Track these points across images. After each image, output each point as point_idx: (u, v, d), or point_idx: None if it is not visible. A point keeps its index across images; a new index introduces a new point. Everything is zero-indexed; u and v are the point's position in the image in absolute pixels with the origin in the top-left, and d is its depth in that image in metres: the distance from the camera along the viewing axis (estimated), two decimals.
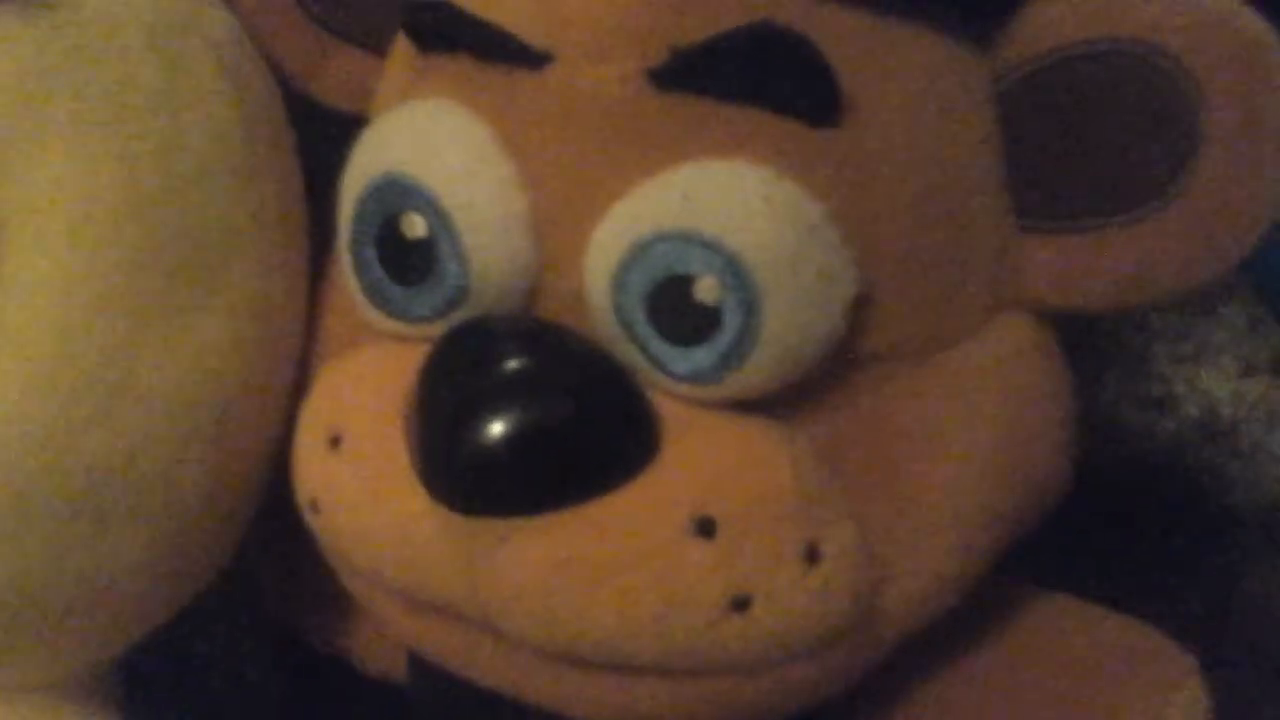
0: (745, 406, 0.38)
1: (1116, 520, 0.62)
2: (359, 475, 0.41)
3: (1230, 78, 0.38)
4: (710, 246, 0.37)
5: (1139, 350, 0.70)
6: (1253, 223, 0.39)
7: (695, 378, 0.38)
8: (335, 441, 0.41)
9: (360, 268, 0.42)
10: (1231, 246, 0.40)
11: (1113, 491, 0.63)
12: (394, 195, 0.40)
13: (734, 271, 0.37)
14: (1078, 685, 0.43)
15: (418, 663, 0.45)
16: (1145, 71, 0.39)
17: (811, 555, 0.38)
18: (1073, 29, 0.40)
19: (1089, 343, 0.69)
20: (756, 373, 0.38)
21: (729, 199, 0.37)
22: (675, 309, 0.37)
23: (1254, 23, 0.39)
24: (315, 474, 0.42)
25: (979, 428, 0.40)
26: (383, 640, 0.48)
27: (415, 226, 0.40)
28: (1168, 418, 0.68)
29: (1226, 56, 0.38)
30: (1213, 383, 0.69)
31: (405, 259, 0.41)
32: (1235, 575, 0.63)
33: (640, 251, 0.37)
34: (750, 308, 0.37)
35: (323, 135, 0.46)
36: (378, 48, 0.46)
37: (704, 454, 0.38)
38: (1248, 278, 0.71)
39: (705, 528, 0.37)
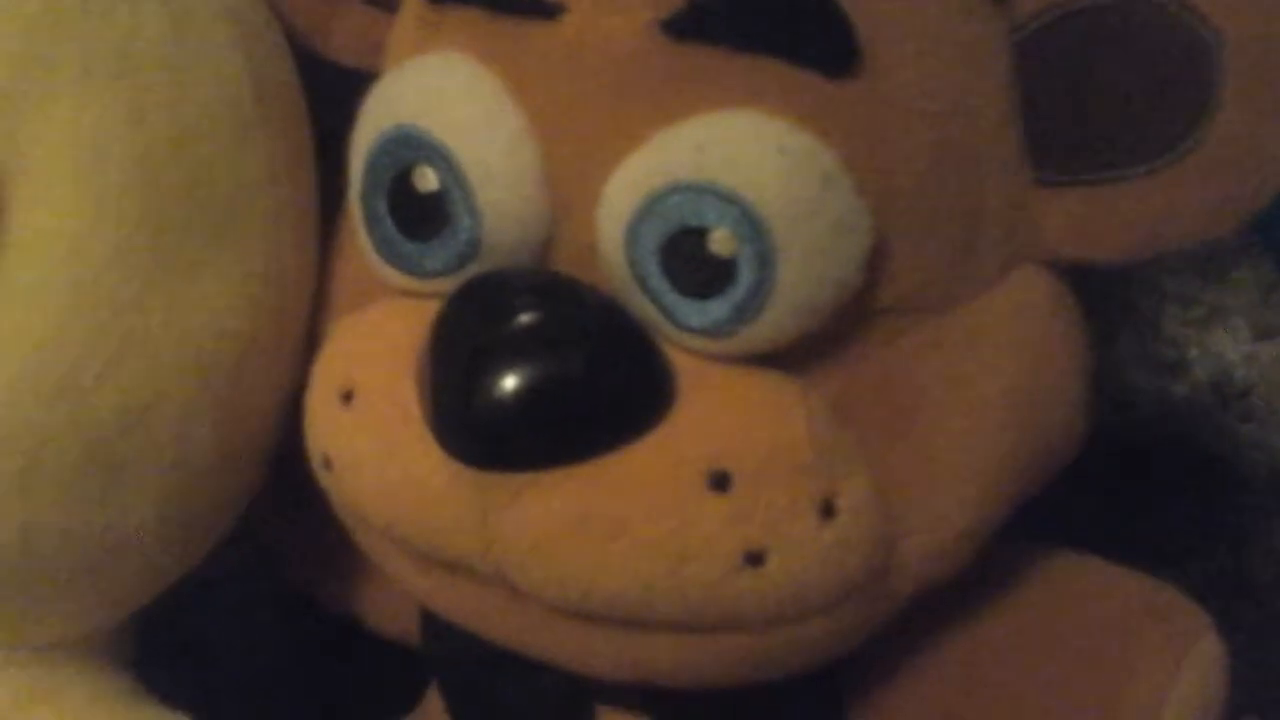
0: (760, 360, 0.38)
1: (1130, 483, 0.62)
2: (371, 430, 0.40)
3: (1248, 28, 0.38)
4: (725, 198, 0.36)
5: (1151, 314, 0.70)
6: (1271, 174, 0.39)
7: (710, 331, 0.38)
8: (347, 397, 0.41)
9: (372, 222, 0.41)
10: (1249, 198, 0.40)
11: (1126, 455, 0.63)
12: (405, 148, 0.40)
13: (749, 223, 0.36)
14: (1093, 641, 0.43)
15: (431, 621, 0.45)
16: (1163, 21, 0.39)
17: (827, 509, 0.38)
18: None
19: (1101, 306, 0.68)
20: (771, 326, 0.37)
21: (744, 150, 0.37)
22: (689, 261, 0.37)
23: None
24: (327, 430, 0.42)
25: (995, 381, 0.40)
26: (396, 600, 0.48)
27: (427, 180, 0.40)
28: (1180, 381, 0.68)
29: (1245, 7, 0.38)
30: (1225, 346, 0.69)
31: (417, 213, 0.40)
32: (1248, 537, 0.63)
33: (654, 203, 0.37)
34: (765, 260, 0.37)
35: (333, 90, 0.46)
36: (386, 3, 0.46)
37: (718, 408, 0.38)
38: (1260, 241, 0.71)
39: (720, 482, 0.37)
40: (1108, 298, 0.69)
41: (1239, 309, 0.70)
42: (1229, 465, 0.66)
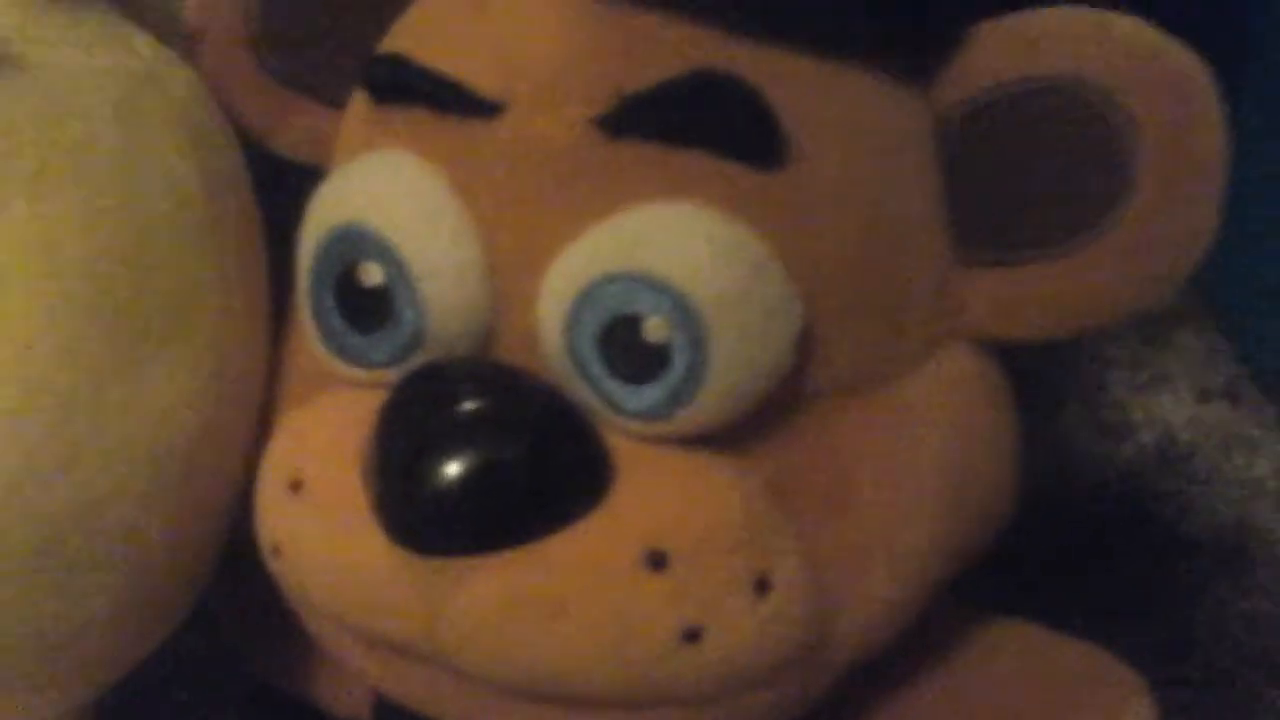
0: (695, 442, 0.39)
1: (1075, 546, 0.63)
2: (319, 519, 0.41)
3: (1163, 113, 0.39)
4: (658, 287, 0.38)
5: (1096, 378, 0.71)
6: (1187, 253, 0.40)
7: (646, 415, 0.39)
8: (296, 486, 0.42)
9: (319, 316, 0.42)
10: (1167, 276, 0.41)
11: (1071, 518, 0.64)
12: (351, 244, 0.41)
13: (681, 311, 0.37)
14: (1028, 706, 0.44)
15: (382, 703, 0.46)
16: (1079, 107, 0.40)
17: (761, 586, 0.39)
18: (1008, 66, 0.41)
19: (1046, 371, 0.70)
20: (705, 409, 0.38)
21: (675, 240, 0.38)
22: (626, 348, 0.38)
23: (1185, 57, 0.40)
24: (277, 519, 0.43)
25: (924, 458, 0.41)
26: (348, 682, 0.48)
27: (372, 275, 0.41)
28: (1125, 444, 0.69)
29: (1158, 91, 0.39)
30: (1169, 409, 0.70)
31: (363, 307, 0.41)
32: (1193, 600, 0.63)
33: (591, 293, 0.38)
34: (698, 346, 0.38)
35: (283, 186, 0.47)
36: (336, 102, 0.47)
37: (655, 489, 0.39)
38: (1202, 306, 0.72)
39: (657, 561, 0.38)
40: (1053, 362, 0.70)
41: (1182, 372, 0.71)
42: (1174, 527, 0.66)
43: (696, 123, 0.39)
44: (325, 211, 0.42)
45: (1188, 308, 0.73)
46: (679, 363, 0.38)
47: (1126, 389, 0.71)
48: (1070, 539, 0.63)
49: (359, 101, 0.44)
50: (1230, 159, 0.40)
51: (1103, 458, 0.69)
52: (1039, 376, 0.67)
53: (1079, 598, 0.56)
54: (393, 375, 0.41)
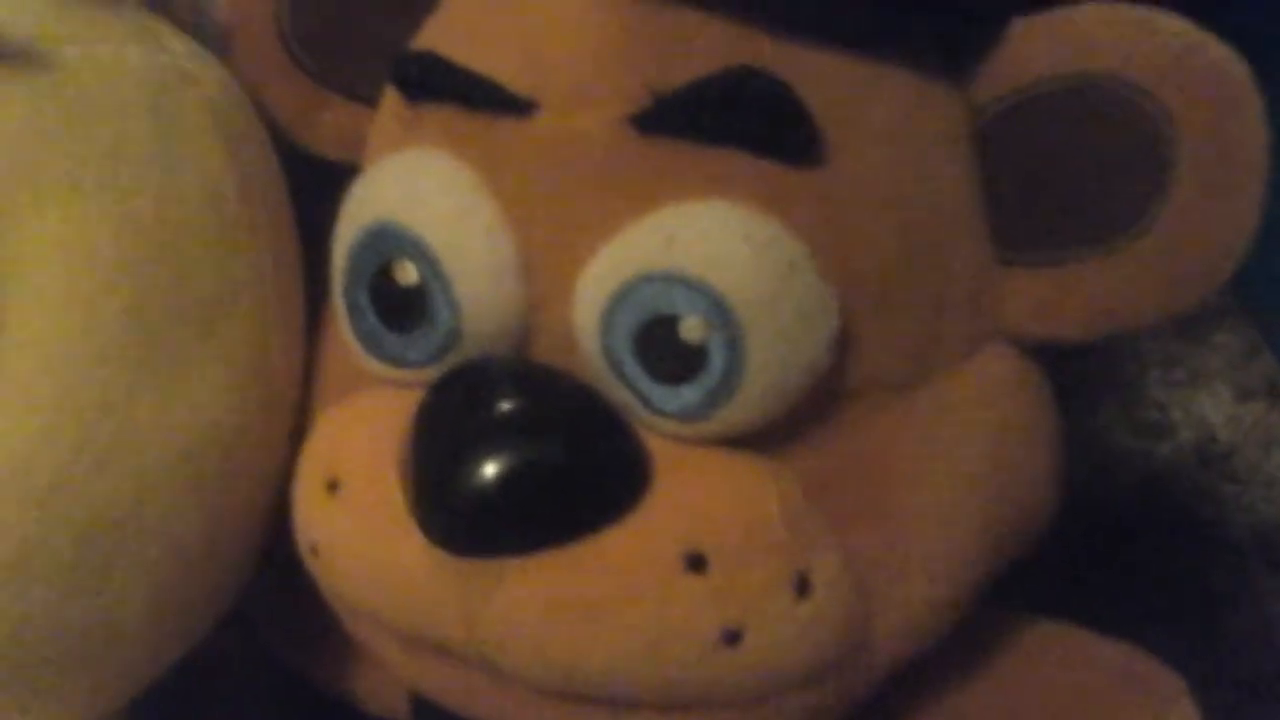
0: (733, 442, 0.39)
1: (1114, 546, 0.63)
2: (356, 519, 0.41)
3: (1202, 109, 0.39)
4: (694, 287, 0.37)
5: (1134, 377, 0.70)
6: (1227, 252, 0.40)
7: (684, 415, 0.39)
8: (333, 486, 0.42)
9: (354, 315, 0.42)
10: (1206, 276, 0.40)
11: (1110, 517, 0.64)
12: (386, 243, 0.41)
13: (718, 310, 0.37)
14: (1071, 709, 0.43)
15: (420, 703, 0.46)
16: (1119, 105, 0.40)
17: (801, 587, 0.38)
18: (1047, 64, 0.40)
19: (1084, 370, 0.69)
20: (743, 409, 0.38)
21: (711, 240, 0.38)
22: (662, 348, 0.38)
23: (1225, 54, 0.39)
24: (314, 519, 0.43)
25: (964, 458, 0.41)
26: (385, 681, 0.48)
27: (407, 273, 0.41)
28: (1164, 443, 0.69)
29: (1198, 88, 0.39)
30: (1208, 408, 0.69)
31: (398, 305, 0.41)
32: (1233, 599, 0.63)
33: (626, 293, 0.38)
34: (735, 345, 0.37)
35: (317, 184, 0.47)
36: (369, 99, 0.47)
37: (694, 490, 0.39)
38: (1241, 303, 0.72)
39: (696, 563, 0.38)
40: (1091, 361, 0.70)
41: (1221, 371, 0.71)
42: (1213, 527, 0.66)
43: (731, 121, 0.38)
44: (359, 210, 0.42)
45: (1226, 306, 0.73)
46: (716, 363, 0.38)
47: (1165, 388, 0.70)
48: (1109, 539, 0.63)
49: (391, 99, 0.44)
50: (1271, 156, 0.40)
51: (1141, 457, 0.68)
52: (1077, 376, 0.66)
53: (1118, 598, 0.56)
54: (429, 375, 0.41)
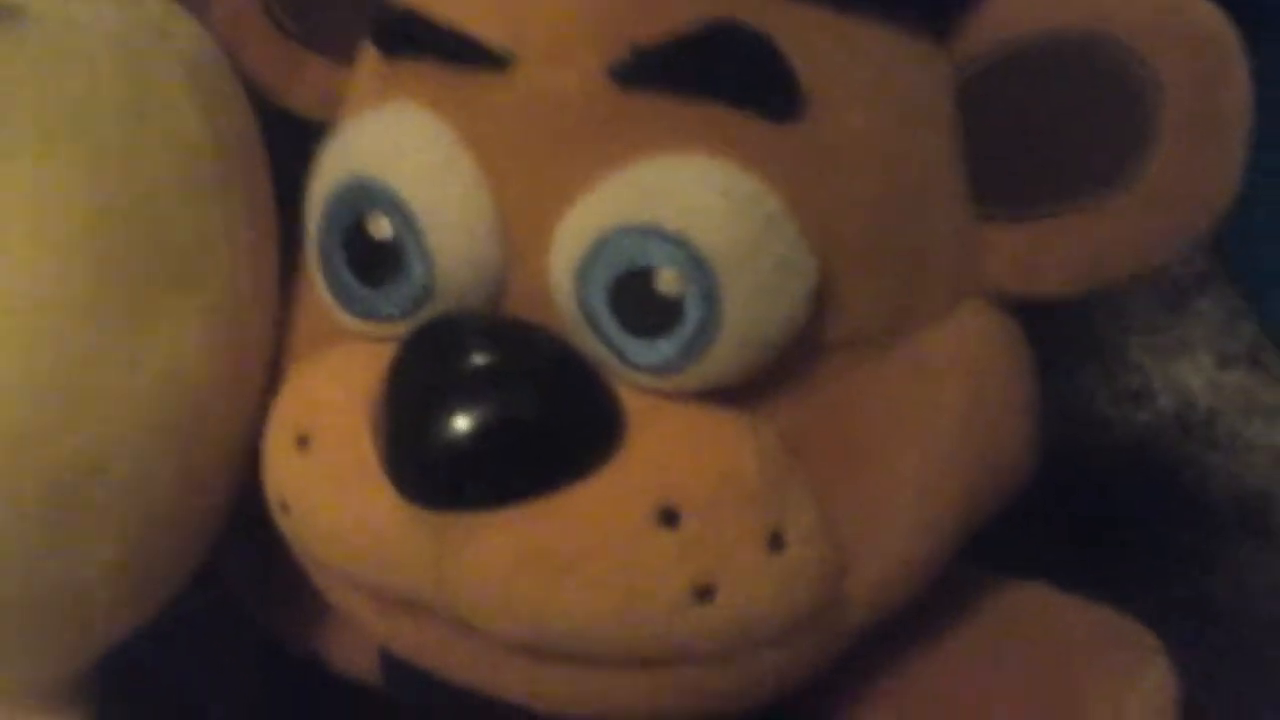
0: (709, 397, 0.39)
1: (1094, 512, 0.63)
2: (327, 474, 0.41)
3: (1186, 65, 0.39)
4: (670, 239, 0.37)
5: (1115, 343, 0.70)
6: (1209, 207, 0.40)
7: (659, 369, 0.38)
8: (303, 441, 0.41)
9: (328, 269, 0.42)
10: (1186, 231, 0.40)
11: (1090, 483, 0.64)
12: (360, 197, 0.41)
13: (694, 263, 0.37)
14: (1041, 670, 0.43)
15: (391, 661, 0.46)
16: (1102, 61, 0.39)
17: (775, 542, 0.38)
18: (1029, 20, 0.40)
19: (1065, 336, 0.69)
20: (719, 363, 0.38)
21: (688, 193, 0.38)
22: (638, 301, 0.38)
23: (1210, 12, 0.39)
24: (284, 474, 0.43)
25: (942, 413, 0.41)
26: (357, 640, 0.48)
27: (381, 228, 0.41)
28: (1144, 410, 0.69)
29: (1182, 45, 0.39)
30: (1189, 375, 0.69)
31: (372, 260, 0.41)
32: (1213, 565, 0.63)
33: (602, 245, 0.38)
34: (711, 299, 0.37)
35: (292, 139, 0.46)
36: (347, 57, 0.46)
37: (667, 444, 0.39)
38: (1223, 270, 0.71)
39: (668, 517, 0.38)
40: (1072, 327, 0.70)
41: (1202, 338, 0.71)
42: (1193, 493, 0.66)
43: (710, 73, 0.38)
44: (334, 165, 0.42)
45: (1208, 273, 0.72)
46: (692, 316, 0.38)
47: (1146, 354, 0.70)
48: (1088, 505, 0.63)
49: (368, 55, 0.44)
50: (1253, 117, 0.40)
51: (1122, 423, 0.68)
52: (1058, 342, 0.66)
53: (1096, 564, 0.56)
54: (402, 329, 0.41)
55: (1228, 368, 0.70)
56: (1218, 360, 0.70)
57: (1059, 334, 0.67)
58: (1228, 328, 0.71)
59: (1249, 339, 0.71)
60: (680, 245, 0.37)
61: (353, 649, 0.49)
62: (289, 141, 0.47)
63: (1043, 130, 0.40)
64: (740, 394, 0.39)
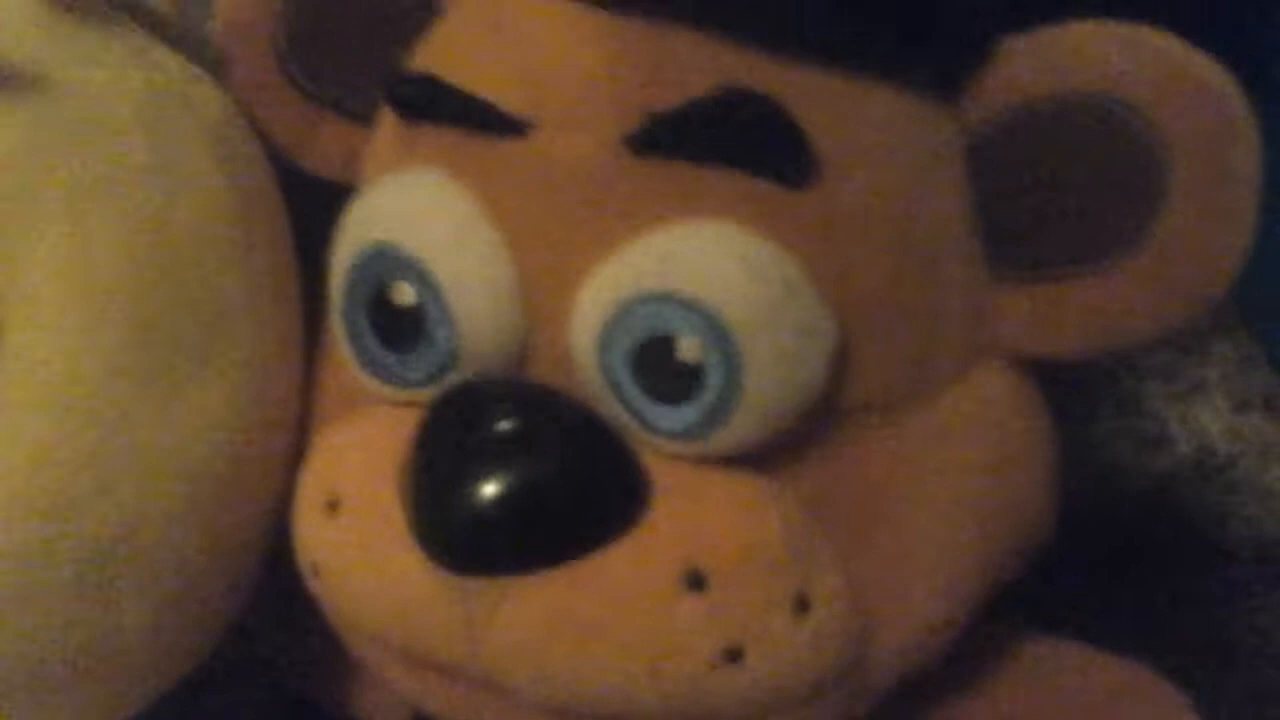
0: (732, 462, 0.39)
1: (1112, 559, 0.63)
2: (357, 538, 0.41)
3: (1195, 127, 0.39)
4: (690, 307, 0.37)
5: (1132, 389, 0.70)
6: (1222, 268, 0.40)
7: (682, 435, 0.39)
8: (333, 506, 0.42)
9: (353, 336, 0.42)
10: (1202, 292, 0.40)
11: (1108, 530, 0.64)
12: (383, 265, 0.41)
13: (714, 330, 0.37)
14: None
15: None
16: (1111, 123, 0.40)
17: (801, 605, 0.38)
18: (1038, 83, 0.40)
19: (1082, 382, 0.69)
20: (741, 428, 0.38)
21: (706, 260, 0.38)
22: (660, 368, 0.38)
23: (1216, 72, 0.39)
24: (315, 538, 0.43)
25: (961, 476, 0.41)
26: (387, 700, 0.48)
27: (405, 295, 0.41)
28: (1162, 455, 0.69)
29: (1190, 106, 0.39)
30: (1206, 420, 0.69)
31: (397, 326, 0.41)
32: (1232, 611, 0.63)
33: (623, 313, 0.38)
34: (732, 365, 0.38)
35: (315, 202, 0.47)
36: (366, 118, 0.47)
37: (692, 509, 0.39)
38: (1239, 315, 0.72)
39: (696, 581, 0.38)
40: (1088, 373, 0.70)
41: (1219, 382, 0.71)
42: (1212, 538, 0.66)
43: (725, 141, 0.39)
44: (356, 232, 0.42)
45: (1224, 317, 0.73)
46: (713, 383, 0.38)
47: (1163, 399, 0.70)
48: (1107, 551, 0.63)
49: (388, 118, 0.44)
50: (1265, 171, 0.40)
51: (1139, 469, 0.68)
52: (1075, 388, 0.66)
53: (1116, 611, 0.56)
54: (428, 394, 0.41)
55: (1245, 412, 0.70)
56: (1235, 405, 0.70)
57: (1076, 380, 0.67)
58: (1244, 372, 0.71)
59: (1266, 383, 0.71)
60: (699, 313, 0.37)
61: (384, 708, 0.49)
62: (311, 204, 0.48)
63: (1054, 192, 0.41)
64: (762, 459, 0.39)
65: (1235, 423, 0.70)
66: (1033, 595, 0.44)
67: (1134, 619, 0.56)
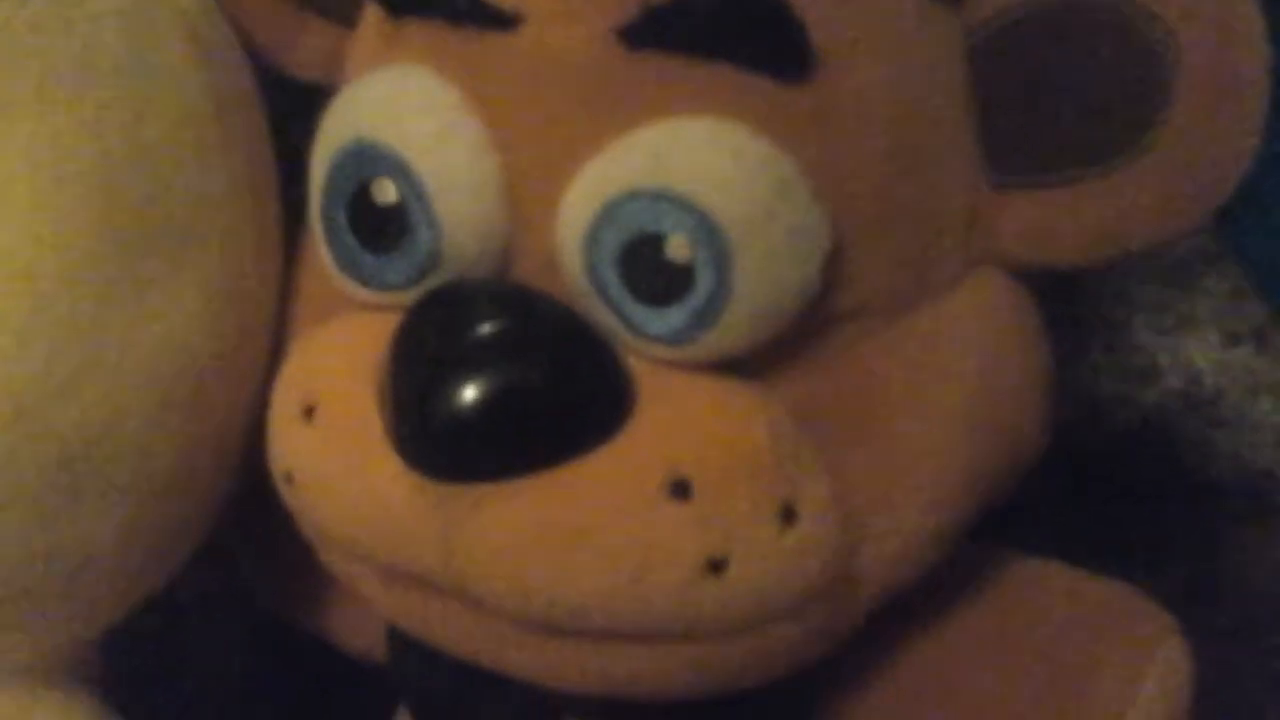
0: (720, 367, 0.38)
1: (1100, 491, 0.63)
2: (332, 445, 0.40)
3: (1202, 29, 0.38)
4: (681, 204, 0.36)
5: (1121, 322, 0.70)
6: (1224, 175, 0.39)
7: (669, 338, 0.38)
8: (309, 412, 0.41)
9: (332, 236, 0.41)
10: (1203, 198, 0.40)
11: (1096, 462, 0.64)
12: (364, 161, 0.40)
13: (705, 229, 0.36)
14: (1057, 644, 0.43)
15: (397, 637, 0.45)
16: (1115, 24, 0.39)
17: (787, 515, 0.38)
18: None
19: (1071, 314, 0.69)
20: (730, 332, 0.37)
21: (699, 157, 0.37)
22: (647, 268, 0.37)
23: None
24: (289, 445, 0.42)
25: (955, 384, 0.40)
26: (363, 618, 0.48)
27: (386, 192, 0.40)
28: (1150, 388, 0.68)
29: (1199, 8, 0.38)
30: (1195, 353, 0.69)
31: (377, 226, 0.40)
32: (1218, 545, 0.63)
33: (612, 211, 0.37)
34: (722, 266, 0.37)
35: (294, 104, 0.46)
36: (348, 20, 0.46)
37: (679, 415, 0.38)
38: (1228, 248, 0.71)
39: (680, 489, 0.37)
40: (1078, 305, 0.70)
41: (1208, 316, 0.70)
42: (1199, 472, 0.66)
43: (721, 34, 0.37)
44: (337, 128, 0.41)
45: (1214, 250, 0.72)
46: (702, 284, 0.37)
47: (1152, 333, 0.70)
48: (1094, 484, 0.62)
49: (371, 15, 0.43)
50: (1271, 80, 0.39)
51: (1128, 402, 0.68)
52: (1064, 321, 0.66)
53: (1102, 543, 0.56)
54: (408, 298, 0.40)
55: (1234, 346, 0.70)
56: (1224, 339, 0.70)
57: (1065, 313, 0.67)
58: (1234, 306, 0.71)
59: (1255, 317, 0.71)
60: (691, 210, 0.36)
61: (358, 626, 0.49)
62: (290, 105, 0.47)
63: (1056, 95, 0.40)
64: (751, 365, 0.38)
65: (1223, 356, 0.69)
66: (1018, 526, 0.44)
67: (1117, 554, 0.55)
